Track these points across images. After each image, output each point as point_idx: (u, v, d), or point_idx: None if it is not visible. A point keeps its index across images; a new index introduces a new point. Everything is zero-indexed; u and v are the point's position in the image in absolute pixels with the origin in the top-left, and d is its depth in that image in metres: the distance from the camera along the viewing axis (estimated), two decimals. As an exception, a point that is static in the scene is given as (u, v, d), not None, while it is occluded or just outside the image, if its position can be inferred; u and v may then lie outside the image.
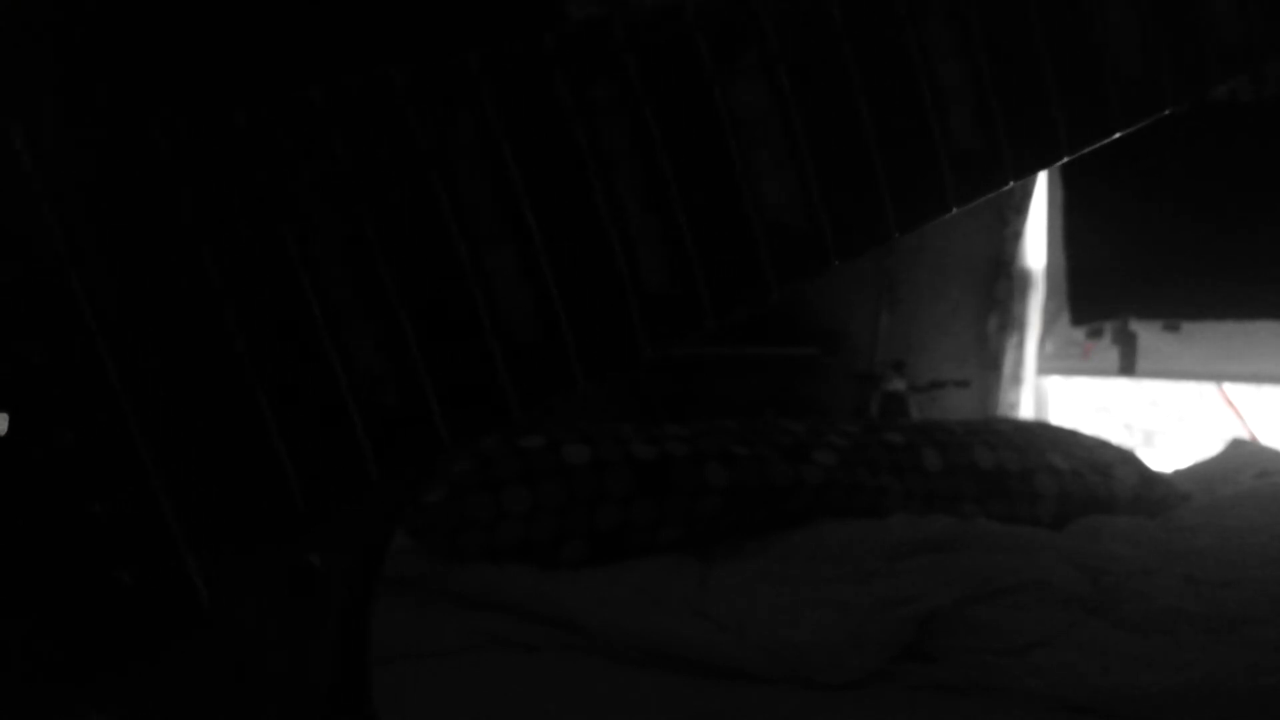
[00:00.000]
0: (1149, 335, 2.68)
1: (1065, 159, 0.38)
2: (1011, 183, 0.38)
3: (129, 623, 0.28)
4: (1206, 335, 2.60)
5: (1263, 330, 2.50)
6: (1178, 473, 2.14)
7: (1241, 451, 2.18)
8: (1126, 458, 1.89)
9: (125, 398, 0.28)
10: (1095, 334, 2.77)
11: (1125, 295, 2.62)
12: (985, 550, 1.40)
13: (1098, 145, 0.39)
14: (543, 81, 0.31)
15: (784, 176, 0.33)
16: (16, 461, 0.27)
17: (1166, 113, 0.39)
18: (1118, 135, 0.39)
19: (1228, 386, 2.77)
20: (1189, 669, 1.03)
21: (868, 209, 0.35)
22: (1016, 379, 2.92)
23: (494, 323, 0.31)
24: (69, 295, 0.27)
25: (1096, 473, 1.79)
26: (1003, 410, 2.90)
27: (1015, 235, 2.88)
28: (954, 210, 0.37)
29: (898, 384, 2.90)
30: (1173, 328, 2.62)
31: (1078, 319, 2.71)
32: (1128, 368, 2.71)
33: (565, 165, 0.31)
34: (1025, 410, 2.94)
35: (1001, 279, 2.91)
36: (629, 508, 1.45)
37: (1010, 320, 2.91)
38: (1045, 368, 2.96)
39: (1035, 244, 2.98)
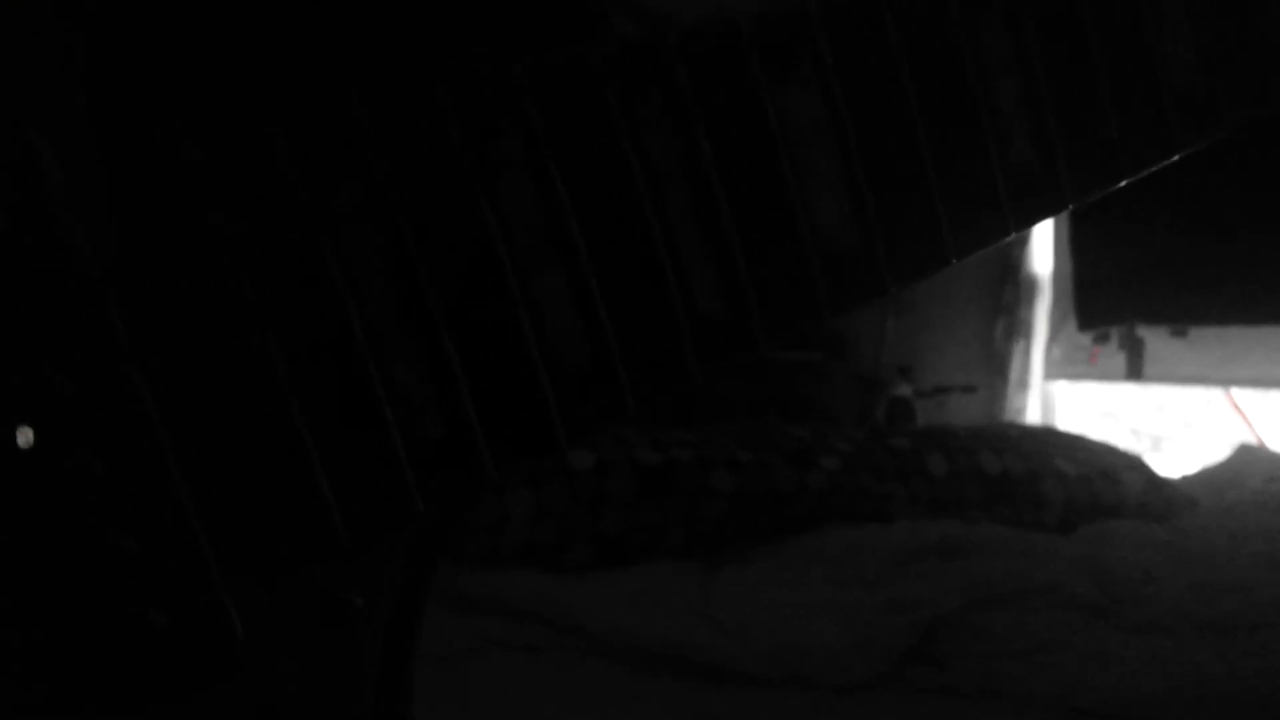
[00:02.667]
0: (1156, 340, 2.67)
1: (1125, 181, 0.37)
2: (1070, 205, 0.37)
3: (161, 664, 0.27)
4: (1214, 340, 2.59)
5: (1270, 335, 2.50)
6: (1185, 478, 2.13)
7: (1249, 457, 2.18)
8: (1133, 463, 1.88)
9: (160, 426, 0.26)
10: (1102, 339, 2.77)
11: (1132, 300, 2.62)
12: (991, 555, 1.40)
13: (1157, 167, 0.38)
14: (592, 96, 0.30)
15: (838, 196, 0.32)
16: (45, 494, 0.26)
17: (1226, 134, 0.38)
18: (1177, 157, 0.38)
19: (1235, 392, 2.76)
20: (1196, 673, 1.03)
21: (925, 232, 0.34)
22: (1023, 384, 2.92)
23: (541, 347, 0.30)
24: (102, 318, 0.26)
25: (1103, 478, 1.78)
26: (1009, 415, 2.89)
27: (1022, 240, 2.88)
28: (1012, 235, 0.36)
29: (904, 389, 2.89)
30: (1180, 333, 2.62)
31: (1084, 324, 2.71)
32: (1135, 373, 2.70)
33: (615, 183, 0.30)
34: (1032, 415, 2.93)
35: (1008, 284, 2.91)
36: (633, 512, 1.45)
37: (1017, 325, 2.91)
38: (1052, 373, 2.96)
39: (1042, 249, 2.97)
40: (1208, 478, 2.11)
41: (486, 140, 0.29)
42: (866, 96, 0.32)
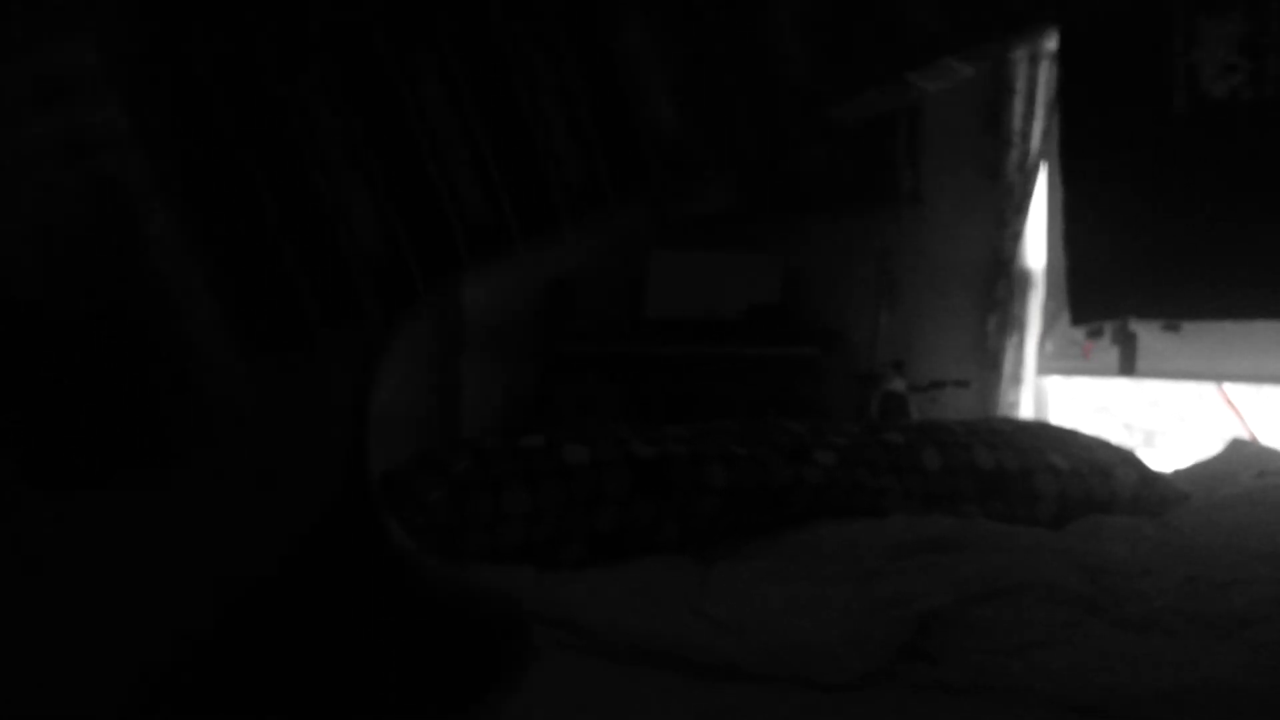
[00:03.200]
0: (1149, 336, 2.69)
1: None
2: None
3: (193, 417, 0.43)
4: (1206, 335, 2.60)
5: (1262, 331, 2.51)
6: (1177, 473, 2.14)
7: (1241, 451, 2.19)
8: (1126, 458, 1.89)
9: (189, 254, 0.42)
10: (1095, 334, 2.78)
11: (1125, 295, 2.62)
12: (985, 550, 1.40)
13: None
14: (369, 45, 0.43)
15: (556, 116, 0.46)
16: (117, 294, 0.41)
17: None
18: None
19: (1227, 386, 2.77)
20: (1190, 669, 1.03)
21: (630, 157, 0.46)
22: (1016, 379, 2.92)
23: (451, 199, 0.44)
24: (137, 172, 0.41)
25: (1096, 473, 1.79)
26: (1003, 410, 2.90)
27: (1015, 236, 2.89)
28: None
29: (898, 384, 2.90)
30: (1172, 328, 2.63)
31: (1078, 319, 2.71)
32: (1128, 368, 2.72)
33: (396, 119, 0.44)
34: (1025, 410, 2.94)
35: (1001, 279, 2.91)
36: (628, 508, 1.45)
37: (1010, 320, 2.92)
38: (1045, 368, 2.97)
39: (1035, 244, 2.98)
40: (1200, 472, 2.11)
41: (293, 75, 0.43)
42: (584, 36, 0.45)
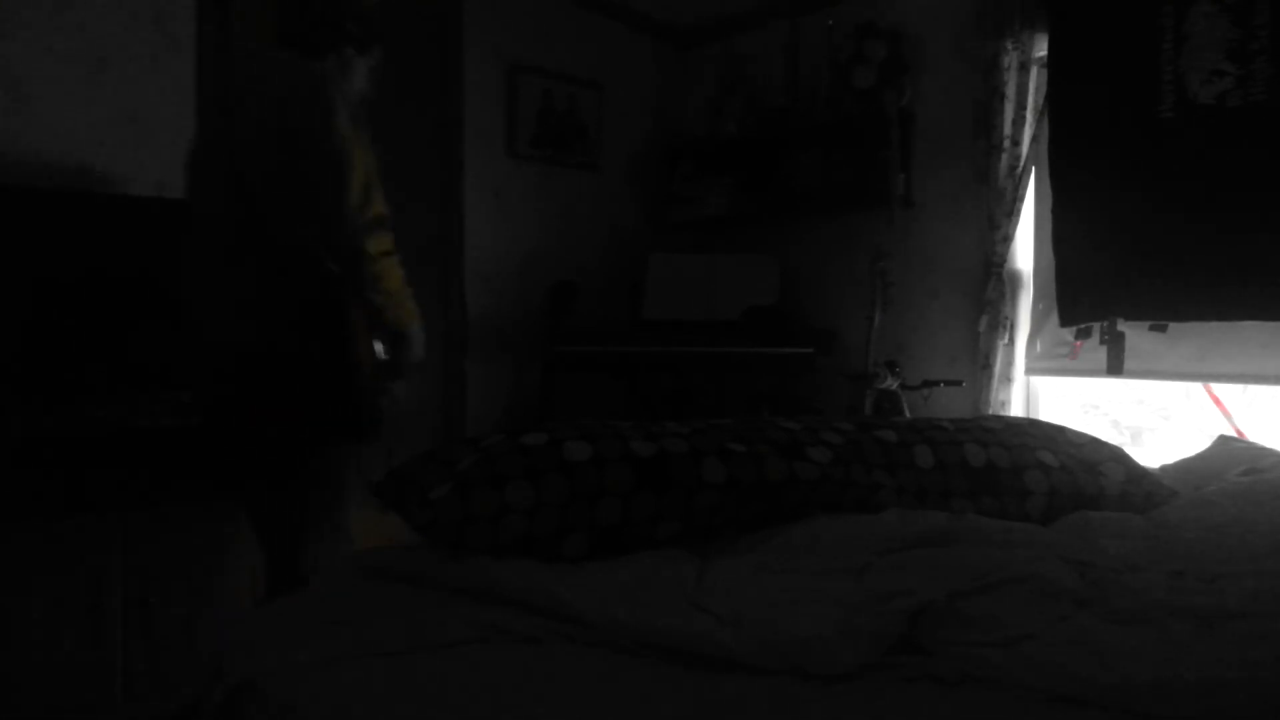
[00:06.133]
0: (1136, 336, 2.70)
1: None
2: None
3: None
4: (1192, 336, 2.62)
5: (1246, 331, 2.53)
6: (1165, 469, 2.15)
7: (1228, 448, 2.20)
8: (1115, 454, 1.90)
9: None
10: (1084, 334, 2.80)
11: (1113, 297, 2.65)
12: (976, 545, 1.42)
13: None
14: None
15: None
16: None
17: None
18: None
19: (1214, 385, 2.79)
20: (1178, 662, 1.05)
21: None
22: (1007, 378, 2.95)
23: None
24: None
25: (1085, 469, 1.80)
26: (993, 408, 2.93)
27: (1005, 238, 2.91)
28: None
29: (891, 382, 2.93)
30: (1159, 328, 2.65)
31: (1066, 320, 2.74)
32: (1115, 367, 2.73)
33: None
34: (1015, 408, 2.97)
35: (992, 281, 2.94)
36: (628, 503, 1.46)
37: (1000, 321, 2.94)
38: (1035, 367, 2.99)
39: (1025, 247, 3.01)
40: (1187, 469, 2.13)
41: None
42: None
